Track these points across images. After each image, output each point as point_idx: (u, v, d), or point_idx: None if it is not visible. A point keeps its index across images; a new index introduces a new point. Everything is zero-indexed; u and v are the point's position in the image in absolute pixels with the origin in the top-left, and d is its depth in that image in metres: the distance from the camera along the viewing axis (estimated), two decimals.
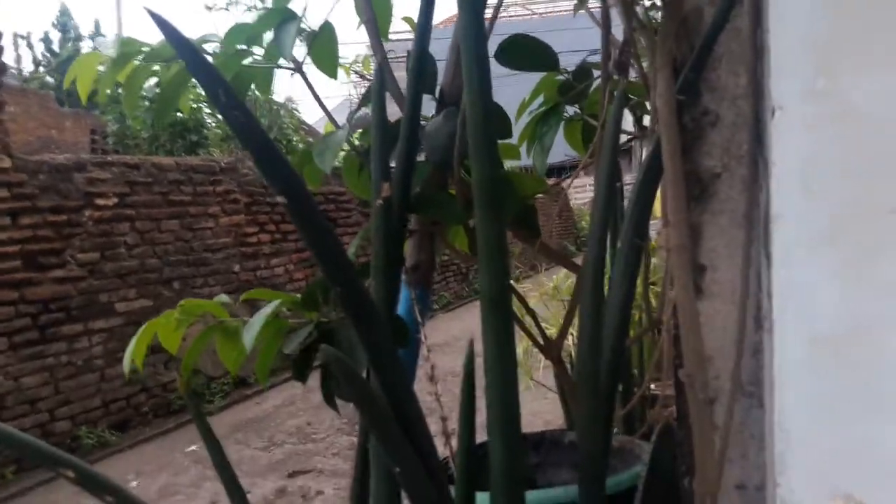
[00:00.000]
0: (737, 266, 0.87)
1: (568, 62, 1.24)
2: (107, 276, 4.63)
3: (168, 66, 1.06)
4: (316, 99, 1.03)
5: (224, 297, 1.01)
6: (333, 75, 1.12)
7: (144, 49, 1.03)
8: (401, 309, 1.13)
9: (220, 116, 8.15)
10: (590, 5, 1.21)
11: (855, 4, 0.69)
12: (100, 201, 4.55)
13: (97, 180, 4.53)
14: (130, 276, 4.81)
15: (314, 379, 1.01)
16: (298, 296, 1.00)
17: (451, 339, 5.68)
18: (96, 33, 21.00)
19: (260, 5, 6.86)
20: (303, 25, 1.00)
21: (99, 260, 4.59)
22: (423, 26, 0.91)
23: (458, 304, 9.29)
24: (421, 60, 0.93)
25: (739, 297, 0.85)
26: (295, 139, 7.61)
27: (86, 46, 20.10)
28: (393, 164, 0.86)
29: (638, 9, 1.07)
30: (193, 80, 1.14)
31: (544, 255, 1.16)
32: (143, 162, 4.88)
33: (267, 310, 0.92)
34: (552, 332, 2.85)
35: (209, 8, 6.79)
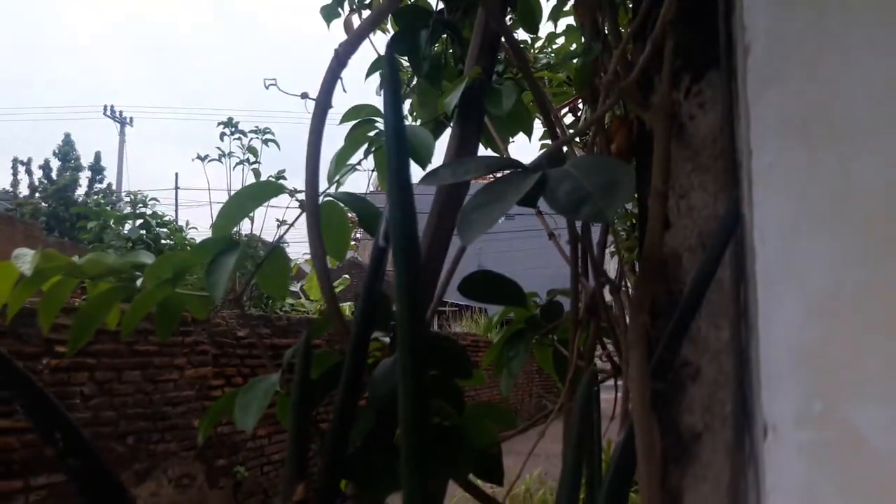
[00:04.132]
0: None
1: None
2: None
3: (95, 283, 0.96)
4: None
5: None
6: (283, 297, 1.03)
7: (63, 264, 0.93)
8: None
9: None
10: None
11: (842, 315, 0.60)
12: (60, 348, 4.36)
13: (61, 326, 4.36)
14: (82, 429, 4.51)
15: None
16: None
17: None
18: (95, 165, 21.52)
19: (252, 159, 7.05)
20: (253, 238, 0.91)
21: None
22: (375, 272, 0.83)
23: None
24: (368, 303, 0.83)
25: None
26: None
27: (83, 177, 20.52)
28: None
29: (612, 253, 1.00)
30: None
31: None
32: None
33: None
34: None
35: (201, 159, 6.93)
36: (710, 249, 0.80)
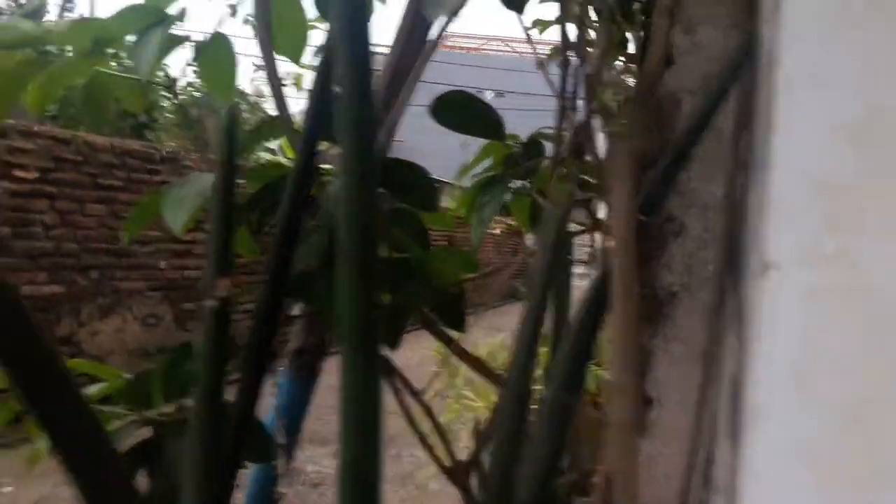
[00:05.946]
0: (688, 405, 0.70)
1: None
2: (16, 254, 4.27)
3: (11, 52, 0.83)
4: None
5: None
6: (228, 98, 0.90)
7: None
8: (281, 400, 0.93)
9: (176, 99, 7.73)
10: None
11: (878, 138, 0.50)
12: (19, 173, 4.20)
13: (19, 150, 4.18)
14: (43, 259, 4.44)
15: None
16: (127, 377, 0.78)
17: None
18: None
19: None
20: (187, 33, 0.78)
21: (9, 236, 4.22)
22: (326, 68, 0.70)
23: None
24: (318, 105, 0.72)
25: (689, 445, 0.67)
26: None
27: (53, 3, 19.41)
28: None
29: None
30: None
31: (462, 359, 0.95)
32: (73, 138, 4.52)
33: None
34: (479, 404, 2.62)
35: None
36: (711, 88, 0.69)
